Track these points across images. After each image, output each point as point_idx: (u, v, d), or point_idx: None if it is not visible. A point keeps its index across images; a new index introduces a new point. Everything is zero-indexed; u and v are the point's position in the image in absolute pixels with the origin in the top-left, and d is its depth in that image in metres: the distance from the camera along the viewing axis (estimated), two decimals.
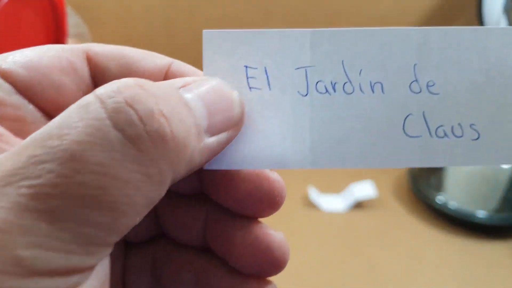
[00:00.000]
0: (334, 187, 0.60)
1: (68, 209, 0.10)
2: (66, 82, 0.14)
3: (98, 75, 0.15)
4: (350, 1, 0.61)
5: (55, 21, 0.43)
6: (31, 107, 0.13)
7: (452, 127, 0.15)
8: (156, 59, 0.16)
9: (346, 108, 0.15)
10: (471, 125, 0.15)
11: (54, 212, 0.10)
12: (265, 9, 0.61)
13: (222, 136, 0.13)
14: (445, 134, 0.15)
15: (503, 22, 0.54)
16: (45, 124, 0.12)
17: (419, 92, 0.15)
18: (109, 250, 0.11)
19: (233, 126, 0.14)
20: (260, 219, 0.16)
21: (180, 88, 0.13)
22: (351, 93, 0.15)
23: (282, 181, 0.15)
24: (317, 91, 0.15)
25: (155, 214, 0.17)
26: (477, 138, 0.15)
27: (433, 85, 0.15)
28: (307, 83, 0.15)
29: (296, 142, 0.15)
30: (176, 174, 0.12)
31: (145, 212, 0.11)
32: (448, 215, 0.53)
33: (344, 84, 0.15)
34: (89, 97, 0.11)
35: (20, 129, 0.13)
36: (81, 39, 0.58)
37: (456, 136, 0.15)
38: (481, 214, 0.51)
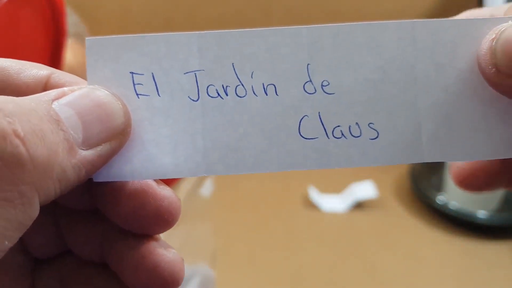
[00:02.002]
0: (334, 187, 0.60)
1: None
2: None
3: None
4: (350, 1, 0.61)
5: (54, 21, 0.43)
6: None
7: (350, 127, 0.15)
8: (35, 70, 0.14)
9: (240, 112, 0.15)
10: (369, 124, 0.15)
11: None
12: (265, 8, 0.61)
13: (103, 148, 0.13)
14: (343, 135, 0.15)
15: None
16: None
17: (314, 92, 0.15)
18: None
19: (115, 136, 0.13)
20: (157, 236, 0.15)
21: (53, 100, 0.12)
22: (244, 96, 0.15)
23: (173, 197, 0.14)
24: (209, 95, 0.15)
25: (59, 230, 0.16)
26: (376, 137, 0.15)
27: (327, 84, 0.15)
28: (198, 87, 0.15)
29: (188, 149, 0.14)
30: (45, 192, 0.11)
31: (17, 235, 0.11)
32: (448, 215, 0.53)
33: (236, 87, 0.15)
34: None
35: None
36: (80, 38, 0.57)
37: (354, 136, 0.15)
38: (481, 214, 0.51)
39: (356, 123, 0.15)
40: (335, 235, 0.52)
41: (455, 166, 0.20)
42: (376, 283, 0.45)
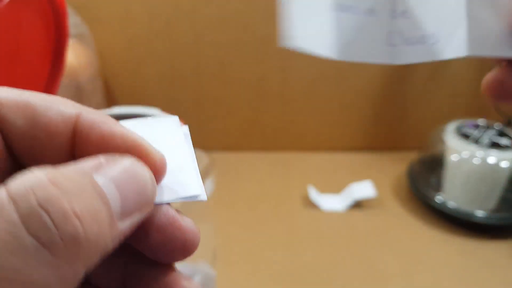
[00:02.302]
0: (334, 187, 0.60)
1: None
2: None
3: (5, 130, 0.14)
4: None
5: (56, 22, 0.43)
6: None
7: (421, 36, 0.21)
8: (62, 109, 0.14)
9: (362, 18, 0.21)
10: (432, 35, 0.21)
11: None
12: (265, 10, 0.61)
13: (136, 218, 0.13)
14: (416, 41, 0.21)
15: None
16: None
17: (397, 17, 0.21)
18: None
19: (146, 206, 0.14)
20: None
21: (93, 172, 0.12)
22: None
23: (195, 229, 0.15)
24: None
25: None
26: (435, 43, 0.21)
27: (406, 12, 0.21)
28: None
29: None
30: (90, 267, 0.12)
31: None
32: (447, 215, 0.53)
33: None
34: (2, 195, 0.11)
35: None
36: (81, 39, 0.58)
37: (421, 43, 0.21)
38: (479, 213, 0.51)
39: (422, 35, 0.21)
40: (335, 234, 0.52)
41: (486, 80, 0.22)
42: (374, 282, 0.45)
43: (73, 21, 0.56)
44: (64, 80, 0.48)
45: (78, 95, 0.57)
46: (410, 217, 0.55)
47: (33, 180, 0.11)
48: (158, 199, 0.15)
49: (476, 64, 0.65)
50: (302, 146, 0.72)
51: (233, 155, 0.68)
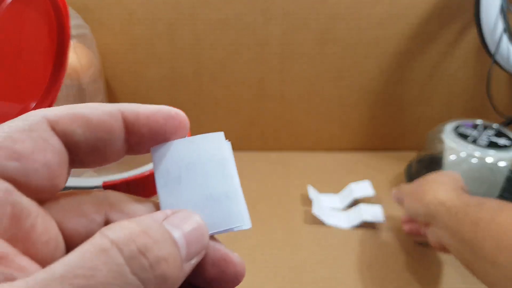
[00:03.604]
0: (333, 186, 0.61)
1: None
2: (52, 162, 0.15)
3: (68, 143, 0.15)
4: (349, 2, 0.61)
5: (58, 23, 0.43)
6: (24, 200, 0.14)
7: None
8: (107, 109, 0.16)
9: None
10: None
11: None
12: (265, 12, 0.61)
13: (195, 260, 0.16)
14: None
15: (500, 23, 0.55)
16: (36, 216, 0.14)
17: None
18: None
19: (203, 250, 0.16)
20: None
21: (163, 219, 0.15)
22: None
23: (243, 262, 0.17)
24: None
25: None
26: None
27: None
28: None
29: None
30: None
31: None
32: None
33: None
34: (105, 242, 0.13)
35: (15, 227, 0.14)
36: (83, 40, 0.58)
37: None
38: None
39: None
40: (334, 234, 0.52)
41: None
42: (373, 281, 0.46)
43: (75, 23, 0.57)
44: (66, 81, 0.49)
45: (80, 96, 0.57)
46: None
47: (129, 230, 0.13)
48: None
49: (474, 65, 0.66)
50: (301, 146, 0.72)
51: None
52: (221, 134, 0.18)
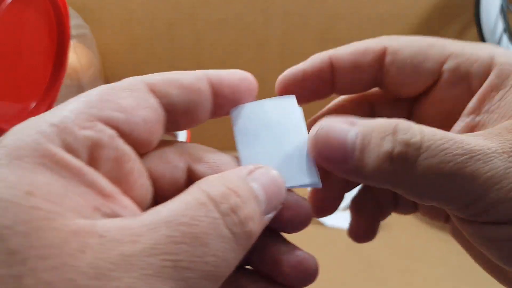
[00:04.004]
0: None
1: (196, 281, 0.14)
2: (151, 118, 0.17)
3: (166, 103, 0.18)
4: (349, 2, 0.61)
5: (57, 22, 0.43)
6: (125, 147, 0.16)
7: None
8: (196, 74, 0.18)
9: None
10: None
11: (187, 282, 0.13)
12: (266, 11, 0.61)
13: (272, 214, 0.17)
14: None
15: (500, 23, 0.55)
16: (134, 161, 0.16)
17: None
18: None
19: (279, 205, 0.18)
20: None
21: (248, 178, 0.17)
22: None
23: (310, 206, 0.19)
24: None
25: None
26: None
27: None
28: None
29: None
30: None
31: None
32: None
33: None
34: (204, 197, 0.15)
35: (117, 168, 0.16)
36: (83, 40, 0.58)
37: None
38: None
39: None
40: (335, 233, 0.52)
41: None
42: (374, 281, 0.46)
43: (75, 22, 0.57)
44: (66, 81, 0.49)
45: None
46: (409, 216, 0.55)
47: (222, 189, 0.15)
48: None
49: None
50: None
51: (233, 155, 0.68)
52: (293, 97, 0.20)
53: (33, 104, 0.43)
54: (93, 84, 0.59)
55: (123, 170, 0.16)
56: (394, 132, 0.17)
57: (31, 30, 0.41)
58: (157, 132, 0.17)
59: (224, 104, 0.19)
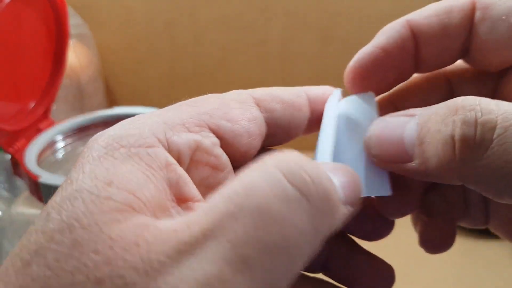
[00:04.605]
0: None
1: (262, 259, 0.11)
2: (254, 131, 0.17)
3: (268, 117, 0.18)
4: (350, 1, 0.61)
5: (56, 22, 0.43)
6: (224, 156, 0.16)
7: None
8: (297, 92, 0.20)
9: None
10: None
11: (251, 266, 0.11)
12: (266, 10, 0.61)
13: (351, 208, 0.15)
14: None
15: None
16: (229, 172, 0.16)
17: None
18: None
19: (358, 202, 0.15)
20: None
21: (328, 172, 0.14)
22: None
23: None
24: None
25: None
26: None
27: None
28: None
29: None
30: (331, 232, 0.13)
31: (305, 263, 0.12)
32: None
33: None
34: (261, 164, 0.13)
35: (213, 176, 0.16)
36: (82, 39, 0.58)
37: None
38: None
39: None
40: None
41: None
42: None
43: (74, 22, 0.56)
44: (65, 81, 0.48)
45: (79, 96, 0.57)
46: (410, 216, 0.55)
47: (281, 157, 0.13)
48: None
49: None
50: (302, 146, 0.72)
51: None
52: (371, 94, 0.19)
53: (32, 104, 0.43)
54: (92, 84, 0.59)
55: (218, 178, 0.16)
56: (457, 110, 0.14)
57: (30, 29, 0.41)
58: (257, 146, 0.17)
59: (318, 120, 0.19)
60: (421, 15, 0.18)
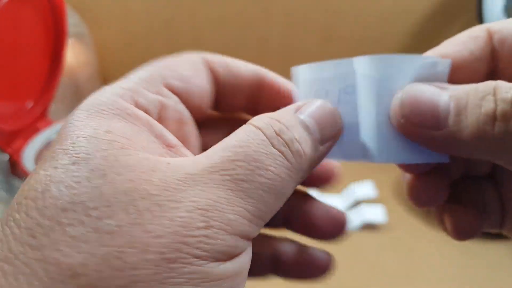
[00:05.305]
0: (334, 187, 0.60)
1: (253, 191, 0.15)
2: (206, 87, 0.20)
3: (216, 78, 0.21)
4: (350, 1, 0.61)
5: (55, 21, 0.43)
6: (186, 111, 0.19)
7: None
8: (248, 67, 0.22)
9: None
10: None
11: (245, 192, 0.15)
12: (265, 9, 0.61)
13: (329, 144, 0.18)
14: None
15: None
16: (192, 125, 0.20)
17: None
18: (260, 229, 0.16)
19: (336, 135, 0.18)
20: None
21: (295, 111, 0.18)
22: None
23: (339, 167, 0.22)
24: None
25: None
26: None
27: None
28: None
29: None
30: (305, 177, 0.17)
31: (283, 203, 0.16)
32: None
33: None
34: (250, 127, 0.16)
35: (179, 128, 0.19)
36: (81, 38, 0.58)
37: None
38: None
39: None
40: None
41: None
42: (375, 282, 0.45)
43: (72, 21, 0.56)
44: (63, 79, 0.48)
45: (77, 95, 0.56)
46: (411, 217, 0.55)
47: (267, 119, 0.17)
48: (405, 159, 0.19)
49: None
50: None
51: None
52: (447, 62, 0.19)
53: (30, 103, 0.43)
54: (90, 83, 0.59)
55: (184, 131, 0.19)
56: (495, 90, 0.16)
57: (28, 28, 0.41)
58: (208, 102, 0.20)
59: (270, 99, 0.22)
60: (503, 26, 0.20)
